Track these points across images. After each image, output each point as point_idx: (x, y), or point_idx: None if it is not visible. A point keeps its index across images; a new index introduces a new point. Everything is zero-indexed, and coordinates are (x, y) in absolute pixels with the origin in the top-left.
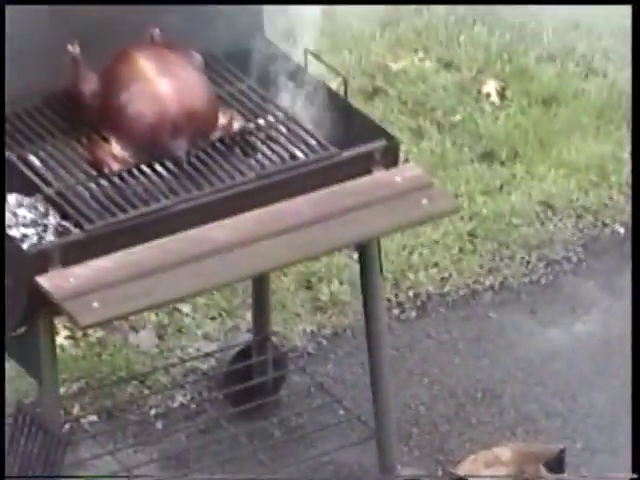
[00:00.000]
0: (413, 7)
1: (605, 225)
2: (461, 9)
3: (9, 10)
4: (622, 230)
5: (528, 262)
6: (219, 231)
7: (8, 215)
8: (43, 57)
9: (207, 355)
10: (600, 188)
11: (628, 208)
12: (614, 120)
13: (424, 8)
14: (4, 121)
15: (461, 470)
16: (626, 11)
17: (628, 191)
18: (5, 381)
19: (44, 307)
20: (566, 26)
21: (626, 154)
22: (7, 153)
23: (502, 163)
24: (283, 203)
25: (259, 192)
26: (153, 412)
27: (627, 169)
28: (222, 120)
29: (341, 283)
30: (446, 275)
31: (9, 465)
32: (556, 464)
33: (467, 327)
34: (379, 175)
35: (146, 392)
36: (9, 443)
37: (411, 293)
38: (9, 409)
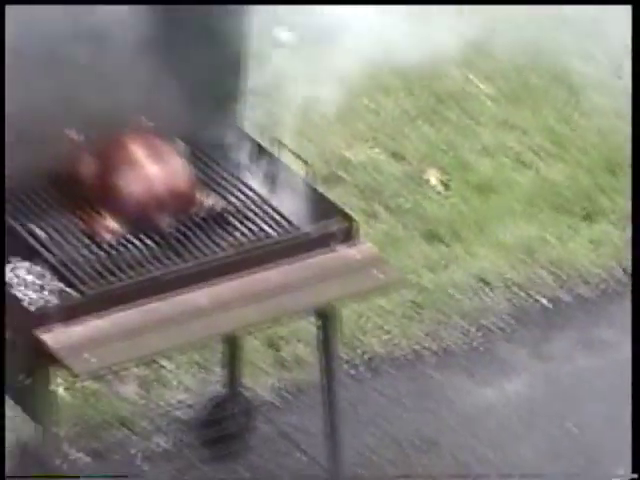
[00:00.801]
0: (366, 102)
1: (532, 298)
2: (408, 105)
3: (17, 91)
4: (547, 303)
5: (466, 330)
6: (198, 296)
7: (15, 278)
8: (47, 140)
9: (185, 405)
10: (528, 265)
11: (552, 283)
12: (541, 207)
13: (377, 103)
14: (4, 126)
15: None
16: (553, 112)
17: (552, 268)
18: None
19: (45, 359)
20: (500, 124)
21: (549, 236)
22: (15, 224)
23: (444, 243)
24: (255, 273)
25: (234, 263)
26: (138, 454)
27: (550, 249)
28: (202, 199)
29: (303, 344)
30: (395, 339)
31: None
32: None
33: (412, 385)
34: (338, 250)
35: (131, 436)
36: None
37: (364, 355)
38: (11, 448)
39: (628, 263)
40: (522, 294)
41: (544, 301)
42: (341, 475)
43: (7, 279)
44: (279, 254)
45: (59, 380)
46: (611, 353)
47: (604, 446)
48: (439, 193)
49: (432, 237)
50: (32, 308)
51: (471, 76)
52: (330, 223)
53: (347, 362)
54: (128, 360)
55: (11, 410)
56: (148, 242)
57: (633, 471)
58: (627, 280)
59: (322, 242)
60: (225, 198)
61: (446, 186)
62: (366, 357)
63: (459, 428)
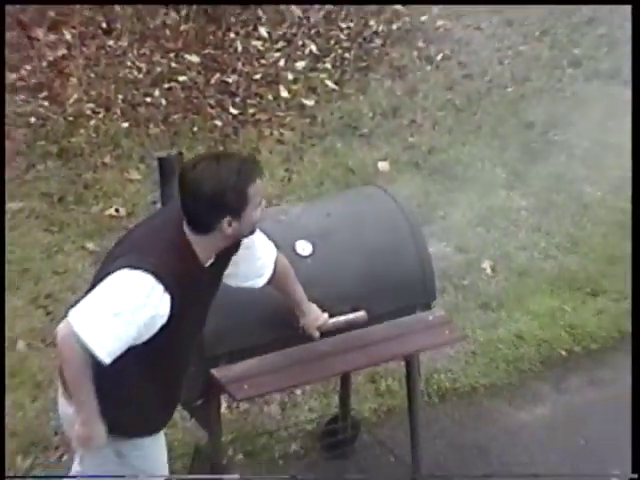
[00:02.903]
0: (441, 213)
1: (554, 350)
2: (468, 213)
3: None
4: (565, 353)
5: (508, 371)
6: (322, 345)
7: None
8: None
9: (311, 420)
10: (552, 327)
11: (569, 340)
12: (561, 286)
13: (447, 212)
14: (4, 124)
15: None
16: (570, 221)
17: (569, 329)
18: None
19: (215, 388)
20: (532, 228)
21: (567, 307)
22: None
23: (492, 310)
24: (362, 330)
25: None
26: (278, 455)
27: (568, 316)
28: None
29: (393, 379)
30: (457, 377)
31: None
32: None
33: (470, 409)
34: (420, 315)
35: (273, 442)
36: (189, 471)
37: (435, 387)
38: (189, 449)
39: (623, 327)
40: (547, 347)
41: (563, 352)
42: (420, 471)
43: None
44: (380, 318)
45: (222, 402)
46: (611, 388)
47: (605, 453)
48: (490, 276)
49: (485, 307)
50: (208, 354)
51: (512, 194)
52: (419, 301)
53: (424, 392)
54: (273, 391)
55: (187, 421)
56: None
57: (633, 471)
58: (621, 338)
59: (409, 310)
60: None
61: (495, 271)
62: (437, 389)
63: (502, 439)
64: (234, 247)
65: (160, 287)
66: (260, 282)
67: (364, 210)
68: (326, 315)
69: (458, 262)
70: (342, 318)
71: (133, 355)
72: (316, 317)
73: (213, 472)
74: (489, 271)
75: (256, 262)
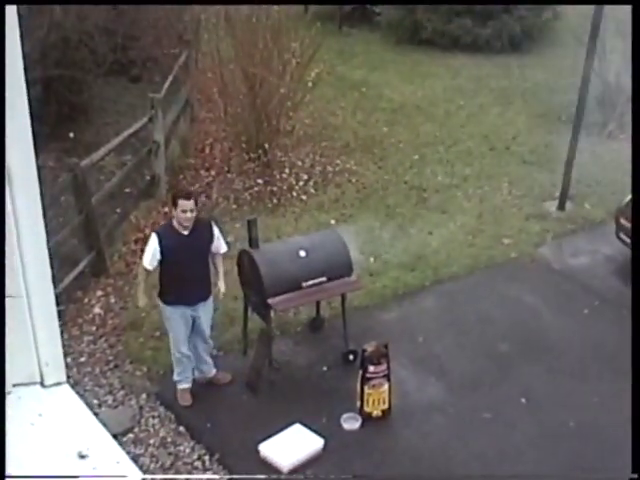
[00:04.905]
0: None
1: (395, 288)
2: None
3: None
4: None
5: (382, 296)
6: (310, 289)
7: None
8: None
9: (305, 319)
10: (381, 281)
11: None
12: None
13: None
14: (4, 126)
15: None
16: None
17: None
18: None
19: (268, 305)
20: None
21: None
22: None
23: (374, 276)
24: (326, 284)
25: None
26: (292, 331)
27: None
28: None
29: (336, 303)
30: (360, 301)
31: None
32: None
33: (363, 313)
34: (346, 278)
35: (290, 327)
36: (257, 338)
37: (351, 304)
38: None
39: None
40: (389, 288)
41: (400, 291)
42: (348, 339)
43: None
44: (332, 279)
45: (271, 311)
46: None
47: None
48: (372, 263)
49: (372, 275)
50: (269, 289)
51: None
52: (346, 273)
53: (347, 307)
54: (292, 307)
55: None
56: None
57: (633, 471)
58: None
59: (342, 276)
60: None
61: (375, 261)
62: (353, 306)
63: (380, 324)
64: (204, 231)
65: (156, 237)
66: (219, 251)
67: (326, 237)
68: (223, 285)
69: (360, 258)
70: (311, 282)
71: (162, 267)
72: (220, 284)
73: (267, 341)
74: (372, 261)
75: (219, 246)
